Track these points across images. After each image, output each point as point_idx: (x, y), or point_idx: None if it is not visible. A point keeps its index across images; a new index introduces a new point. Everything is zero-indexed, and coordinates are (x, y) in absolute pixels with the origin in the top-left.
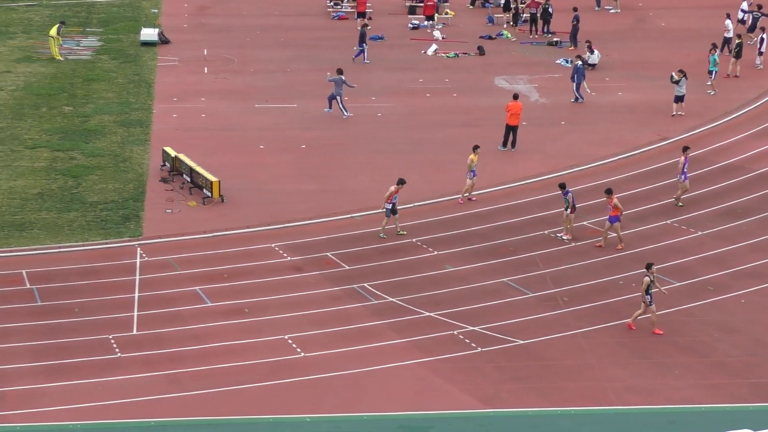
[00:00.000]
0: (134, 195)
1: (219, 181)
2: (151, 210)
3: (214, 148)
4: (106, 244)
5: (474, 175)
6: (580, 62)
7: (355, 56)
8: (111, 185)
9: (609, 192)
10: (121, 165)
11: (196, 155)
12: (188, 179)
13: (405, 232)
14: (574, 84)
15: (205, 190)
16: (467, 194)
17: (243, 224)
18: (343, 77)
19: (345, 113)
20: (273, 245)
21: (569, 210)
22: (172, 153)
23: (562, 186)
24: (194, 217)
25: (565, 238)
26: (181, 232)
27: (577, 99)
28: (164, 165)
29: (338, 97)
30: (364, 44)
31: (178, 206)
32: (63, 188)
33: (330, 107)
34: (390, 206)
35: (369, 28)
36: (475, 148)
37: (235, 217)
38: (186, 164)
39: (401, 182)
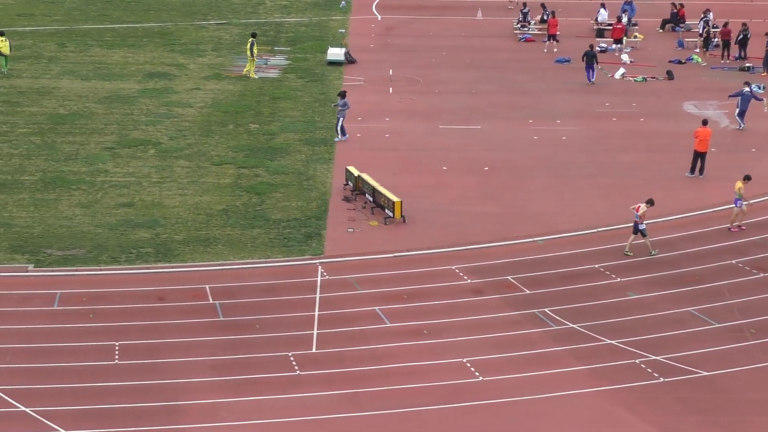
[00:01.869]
0: (317, 213)
1: (401, 202)
2: (332, 229)
3: (397, 168)
4: (288, 261)
5: (740, 204)
6: (747, 89)
7: (591, 79)
8: (294, 203)
9: None
10: (304, 183)
11: (378, 175)
12: (370, 199)
13: (656, 251)
14: (738, 109)
15: (387, 210)
16: (737, 223)
17: (424, 245)
18: (346, 99)
19: (339, 136)
20: (453, 267)
21: None
22: (355, 172)
23: None
24: (375, 237)
25: None
26: (362, 251)
27: (740, 126)
28: (347, 184)
29: (341, 118)
30: (593, 65)
31: (360, 226)
32: (247, 205)
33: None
34: (643, 226)
35: (598, 49)
36: (746, 178)
37: (416, 238)
38: (369, 184)
39: (650, 202)
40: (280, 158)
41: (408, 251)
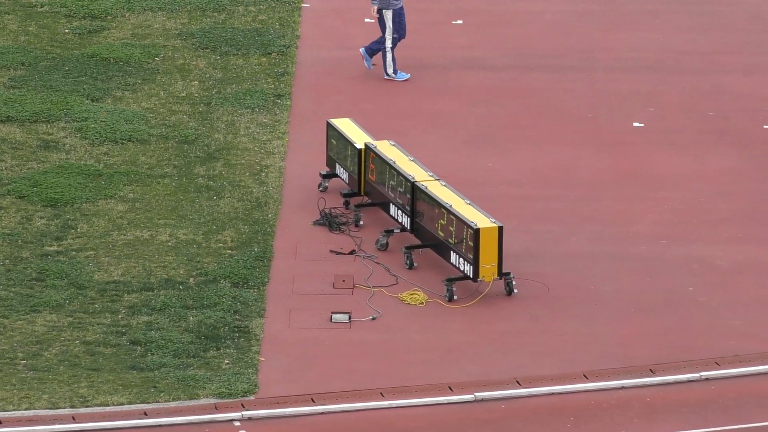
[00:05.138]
0: (236, 266)
1: (500, 228)
2: (281, 314)
3: (472, 127)
4: (142, 418)
5: None
6: None
7: None
8: (164, 231)
9: None
10: (196, 171)
11: (422, 145)
12: (402, 221)
13: None
14: None
15: (455, 257)
16: None
17: (589, 366)
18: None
19: (391, 71)
20: None
21: None
22: (357, 140)
23: None
24: (416, 341)
25: None
26: (370, 385)
27: None
28: (328, 176)
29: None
30: None
31: (373, 301)
32: (17, 241)
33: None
34: None
35: None
36: None
37: (557, 345)
38: (400, 176)
39: None
40: (121, 82)
41: (517, 387)
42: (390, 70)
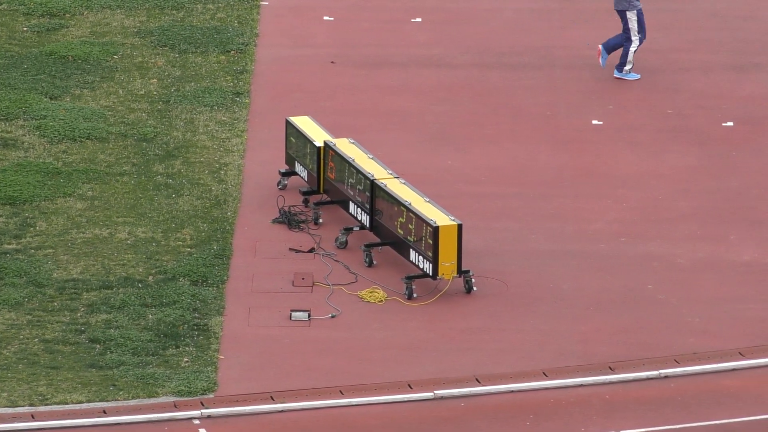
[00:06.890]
0: (195, 264)
1: (460, 226)
2: (240, 313)
3: (437, 122)
4: (101, 416)
5: None
6: None
7: None
8: (124, 229)
9: None
10: (153, 167)
11: (384, 144)
12: (362, 219)
13: None
14: None
15: (414, 254)
16: None
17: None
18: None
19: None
20: None
21: None
22: (316, 138)
23: None
24: (376, 339)
25: None
26: (332, 383)
27: None
28: (287, 174)
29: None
30: None
31: (334, 299)
32: None
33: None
34: None
35: None
36: None
37: (516, 343)
38: (359, 174)
39: None
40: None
41: (476, 385)
42: (627, 68)
